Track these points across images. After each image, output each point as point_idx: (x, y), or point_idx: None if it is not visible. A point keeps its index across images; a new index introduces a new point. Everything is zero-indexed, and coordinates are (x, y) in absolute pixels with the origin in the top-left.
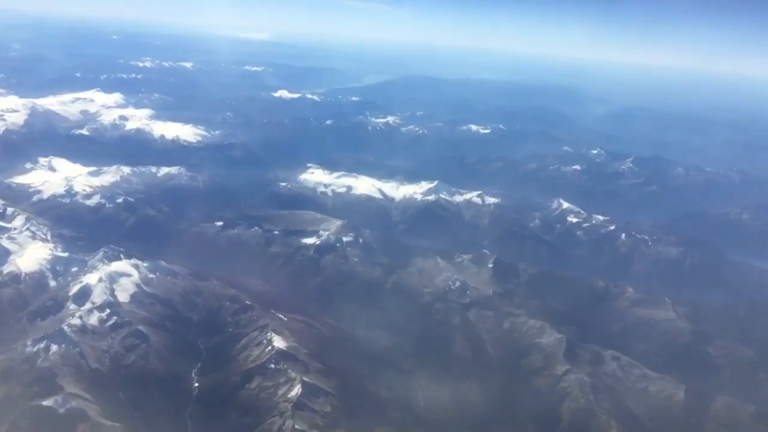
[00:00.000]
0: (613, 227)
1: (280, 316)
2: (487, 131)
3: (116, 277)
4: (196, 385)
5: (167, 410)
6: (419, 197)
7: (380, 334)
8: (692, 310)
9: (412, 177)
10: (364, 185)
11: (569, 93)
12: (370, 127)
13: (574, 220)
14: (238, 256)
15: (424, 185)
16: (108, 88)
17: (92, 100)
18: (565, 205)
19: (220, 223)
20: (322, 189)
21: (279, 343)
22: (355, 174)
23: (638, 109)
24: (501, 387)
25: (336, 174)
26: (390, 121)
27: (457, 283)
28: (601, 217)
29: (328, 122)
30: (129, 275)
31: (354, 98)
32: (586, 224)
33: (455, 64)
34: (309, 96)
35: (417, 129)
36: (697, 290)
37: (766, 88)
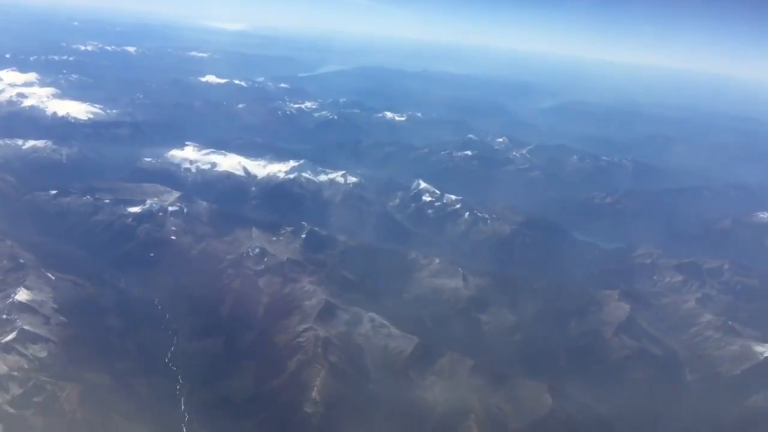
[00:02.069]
0: (459, 206)
1: (50, 275)
2: (403, 118)
3: None
4: None
5: None
6: (282, 175)
7: (163, 296)
8: (488, 281)
9: (284, 156)
10: (230, 162)
11: (527, 87)
12: (280, 112)
13: (428, 199)
14: (63, 222)
15: (291, 164)
16: (31, 68)
17: (0, 79)
18: (423, 185)
19: (53, 192)
20: (187, 165)
21: (23, 296)
22: (224, 152)
23: (584, 103)
24: (246, 344)
25: (205, 151)
26: (304, 107)
27: (257, 251)
28: (453, 197)
29: (240, 106)
30: None
31: (283, 85)
32: (438, 203)
33: (429, 58)
34: (236, 82)
35: (329, 114)
36: (520, 265)
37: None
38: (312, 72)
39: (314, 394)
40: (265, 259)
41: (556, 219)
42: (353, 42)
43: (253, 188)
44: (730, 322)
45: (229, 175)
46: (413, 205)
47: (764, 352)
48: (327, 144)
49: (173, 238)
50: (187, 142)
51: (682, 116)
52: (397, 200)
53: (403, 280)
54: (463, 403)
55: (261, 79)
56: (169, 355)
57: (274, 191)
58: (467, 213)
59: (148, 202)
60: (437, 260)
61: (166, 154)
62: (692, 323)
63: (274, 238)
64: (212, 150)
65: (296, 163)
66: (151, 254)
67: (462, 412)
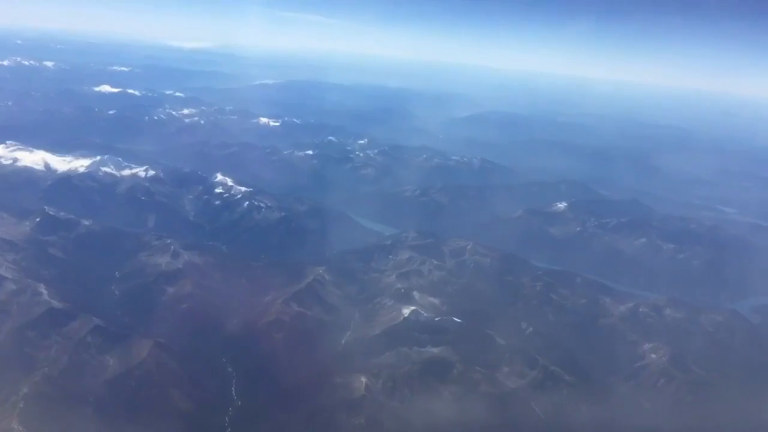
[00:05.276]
0: (240, 196)
1: None
2: (277, 123)
3: None
4: None
5: None
6: (82, 169)
7: None
8: (207, 259)
9: (96, 152)
10: (33, 158)
11: (457, 99)
12: (147, 117)
13: (219, 191)
14: None
15: (97, 159)
16: None
17: None
18: (219, 178)
19: None
20: None
21: None
22: (31, 148)
23: (500, 113)
24: None
25: (12, 148)
26: (176, 113)
27: None
28: (242, 189)
29: (111, 112)
30: None
31: (179, 94)
32: (226, 194)
33: (380, 73)
34: (130, 91)
35: (199, 119)
36: (274, 246)
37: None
38: (236, 85)
39: None
40: None
41: (351, 209)
42: (310, 58)
43: (49, 182)
44: (404, 289)
45: (26, 169)
46: (205, 197)
47: (406, 313)
48: (174, 145)
49: None
50: (8, 141)
51: (594, 124)
52: (196, 193)
53: (122, 259)
54: (60, 357)
55: (169, 91)
56: None
57: (60, 184)
58: (247, 203)
59: None
60: (168, 241)
61: None
62: (382, 294)
63: (15, 222)
64: (20, 147)
65: (100, 158)
66: None
67: (50, 365)
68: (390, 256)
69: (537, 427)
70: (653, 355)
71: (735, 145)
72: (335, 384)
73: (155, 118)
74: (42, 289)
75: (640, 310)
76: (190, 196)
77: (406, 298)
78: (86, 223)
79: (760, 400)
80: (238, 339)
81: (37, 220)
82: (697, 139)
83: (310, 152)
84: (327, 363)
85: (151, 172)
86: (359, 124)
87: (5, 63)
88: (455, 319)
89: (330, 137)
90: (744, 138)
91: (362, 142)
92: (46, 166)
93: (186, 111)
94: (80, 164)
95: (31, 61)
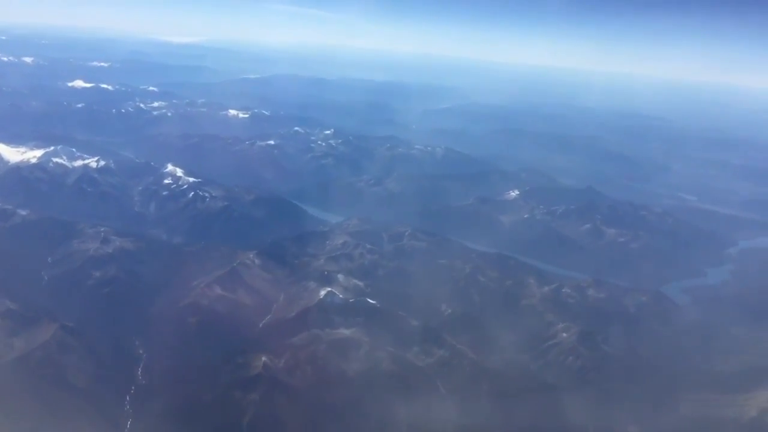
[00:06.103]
0: (185, 186)
1: None
2: (246, 115)
3: None
4: None
5: None
6: (34, 160)
7: None
8: (138, 245)
9: (51, 143)
10: None
11: (442, 92)
12: (114, 110)
13: (168, 181)
14: None
15: (50, 149)
16: None
17: None
18: (169, 168)
19: None
20: None
21: None
22: None
23: (479, 105)
24: None
25: None
26: (145, 106)
27: None
28: (190, 179)
29: (79, 105)
30: None
31: (152, 88)
32: (174, 185)
33: (363, 66)
34: (103, 86)
35: (167, 112)
36: (212, 234)
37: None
38: (217, 80)
39: None
40: None
41: (302, 198)
42: (302, 53)
43: None
44: (328, 272)
45: None
46: (153, 187)
47: (322, 295)
48: (138, 137)
49: None
50: None
51: (576, 115)
52: (145, 184)
53: (55, 246)
54: None
55: (144, 86)
56: None
57: (13, 175)
58: (192, 193)
59: None
60: (102, 228)
61: None
62: (304, 278)
63: None
64: None
65: (53, 149)
66: None
67: None
68: (326, 242)
69: (438, 402)
70: (564, 334)
71: (715, 134)
72: (237, 363)
73: (123, 110)
74: None
75: (563, 290)
76: (139, 187)
77: (328, 281)
78: (23, 212)
79: (665, 375)
80: (154, 322)
81: None
82: (677, 129)
83: (272, 142)
84: (238, 345)
85: (102, 163)
86: (331, 116)
87: None
88: (369, 300)
89: (296, 128)
90: (726, 127)
91: (328, 132)
92: None
93: (156, 104)
94: (33, 155)
95: (10, 57)
